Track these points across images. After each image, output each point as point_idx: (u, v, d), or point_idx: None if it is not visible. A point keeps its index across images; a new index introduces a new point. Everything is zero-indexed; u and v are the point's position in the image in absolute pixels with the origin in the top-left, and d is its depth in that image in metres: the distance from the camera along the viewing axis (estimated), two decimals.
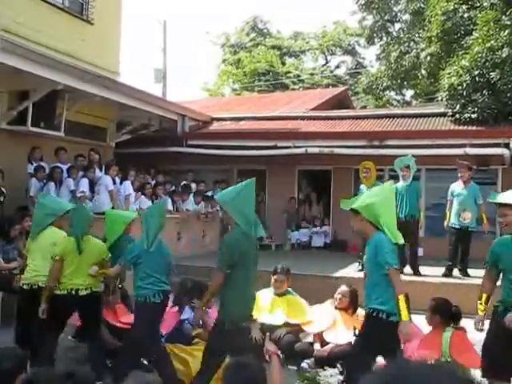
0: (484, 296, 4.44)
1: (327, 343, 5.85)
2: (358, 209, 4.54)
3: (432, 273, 9.05)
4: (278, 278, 6.31)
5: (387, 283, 4.32)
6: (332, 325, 5.95)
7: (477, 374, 4.64)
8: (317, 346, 5.89)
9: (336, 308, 6.10)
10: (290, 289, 6.47)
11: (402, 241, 4.56)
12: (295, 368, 5.67)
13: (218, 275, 4.51)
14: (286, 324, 6.10)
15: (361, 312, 6.20)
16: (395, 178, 11.71)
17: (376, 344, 4.35)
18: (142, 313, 5.09)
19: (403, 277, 8.81)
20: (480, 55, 11.53)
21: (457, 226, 8.85)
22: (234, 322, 4.42)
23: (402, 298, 4.23)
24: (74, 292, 5.27)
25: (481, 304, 4.44)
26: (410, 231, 9.18)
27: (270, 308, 6.17)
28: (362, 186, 9.59)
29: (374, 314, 4.37)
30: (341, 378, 5.35)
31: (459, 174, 9.01)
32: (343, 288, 6.17)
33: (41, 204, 5.96)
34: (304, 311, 6.26)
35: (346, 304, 6.05)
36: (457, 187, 9.01)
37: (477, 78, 11.39)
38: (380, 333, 4.32)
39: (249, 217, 4.54)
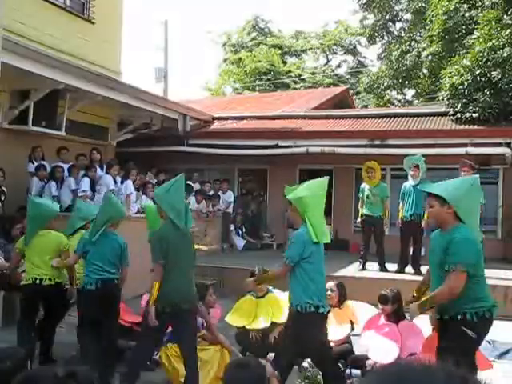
0: (421, 287, 4.39)
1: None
2: (289, 199, 4.63)
3: None
4: None
5: (308, 277, 4.44)
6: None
7: (482, 375, 4.64)
8: None
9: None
10: (270, 287, 6.47)
11: (325, 241, 4.57)
12: (296, 367, 5.67)
13: (156, 268, 4.72)
14: (276, 324, 6.11)
15: (349, 303, 6.18)
16: (397, 177, 11.74)
17: (315, 336, 4.48)
18: (78, 300, 5.45)
19: (406, 276, 8.84)
20: (481, 54, 11.51)
21: None
22: (164, 306, 4.65)
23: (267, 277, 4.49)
24: (38, 281, 5.58)
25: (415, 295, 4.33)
26: (415, 230, 9.17)
27: (254, 314, 6.18)
28: (364, 185, 9.59)
29: (300, 309, 4.45)
30: None
31: (462, 173, 8.99)
32: (330, 283, 6.17)
33: (78, 208, 6.45)
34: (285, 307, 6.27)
35: (336, 298, 6.04)
36: None
37: (478, 78, 11.38)
38: (312, 326, 4.41)
39: (179, 210, 4.76)
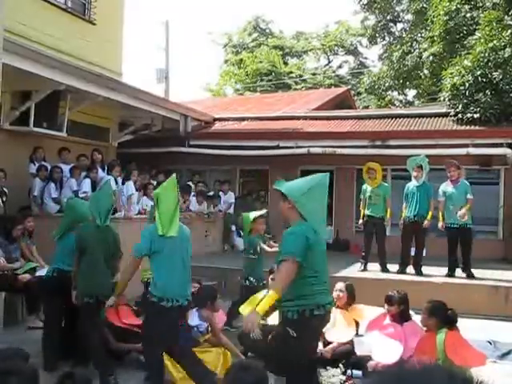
0: None
1: (330, 342, 5.86)
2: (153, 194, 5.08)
3: (434, 273, 9.04)
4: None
5: (156, 269, 4.69)
6: (332, 324, 5.95)
7: (476, 371, 4.63)
8: (319, 346, 5.88)
9: (336, 306, 6.10)
10: None
11: (171, 234, 4.70)
12: None
13: (75, 260, 5.41)
14: None
15: (357, 306, 6.20)
16: (398, 177, 11.75)
17: (156, 331, 4.63)
18: None
19: (407, 277, 8.83)
20: (482, 55, 11.51)
21: (455, 226, 8.82)
22: (86, 298, 5.20)
23: (119, 283, 4.87)
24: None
25: None
26: (417, 231, 9.17)
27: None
28: (365, 186, 9.58)
29: (149, 300, 4.70)
30: (343, 377, 5.36)
31: (448, 174, 9.02)
32: (339, 284, 6.19)
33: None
34: None
35: (344, 299, 6.06)
36: (448, 187, 9.01)
37: (479, 78, 11.37)
38: (151, 316, 4.69)
39: (100, 210, 5.36)
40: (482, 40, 11.97)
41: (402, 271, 9.14)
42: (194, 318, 5.60)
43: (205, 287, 6.28)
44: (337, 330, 5.90)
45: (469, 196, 8.79)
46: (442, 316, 5.12)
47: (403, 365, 1.25)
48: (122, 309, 6.10)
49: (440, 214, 9.02)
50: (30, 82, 8.95)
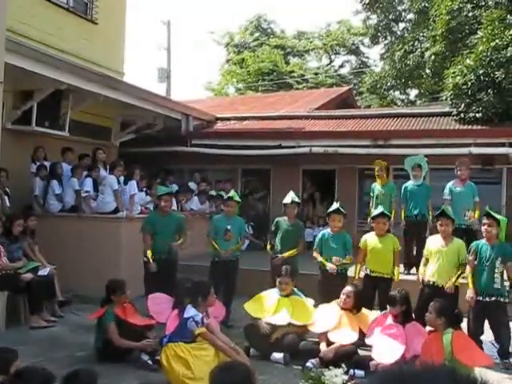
0: None
1: (332, 343, 5.85)
2: None
3: None
4: (283, 281, 6.37)
5: None
6: (337, 325, 5.95)
7: (483, 371, 4.62)
8: (322, 346, 5.87)
9: (341, 308, 6.10)
10: (295, 289, 6.51)
11: None
12: (300, 367, 5.66)
13: None
14: (290, 325, 6.12)
15: (365, 311, 6.20)
16: (399, 177, 11.70)
17: None
18: None
19: (411, 277, 8.79)
20: (485, 54, 11.47)
21: (463, 226, 8.78)
22: None
23: None
24: None
25: None
26: (419, 231, 9.12)
27: (275, 308, 6.21)
28: (374, 185, 9.55)
29: None
30: (345, 377, 5.34)
31: (458, 172, 8.96)
32: (348, 288, 6.19)
33: None
34: (309, 313, 6.26)
35: (350, 304, 6.06)
36: (456, 186, 8.96)
37: (481, 77, 11.33)
38: None
39: None
40: (485, 39, 11.92)
41: (408, 272, 9.05)
42: (188, 311, 5.52)
43: (195, 283, 6.18)
44: (340, 332, 5.89)
45: (477, 199, 8.75)
46: (450, 316, 5.11)
47: (404, 366, 1.22)
48: (128, 306, 6.12)
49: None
50: (32, 81, 8.94)
